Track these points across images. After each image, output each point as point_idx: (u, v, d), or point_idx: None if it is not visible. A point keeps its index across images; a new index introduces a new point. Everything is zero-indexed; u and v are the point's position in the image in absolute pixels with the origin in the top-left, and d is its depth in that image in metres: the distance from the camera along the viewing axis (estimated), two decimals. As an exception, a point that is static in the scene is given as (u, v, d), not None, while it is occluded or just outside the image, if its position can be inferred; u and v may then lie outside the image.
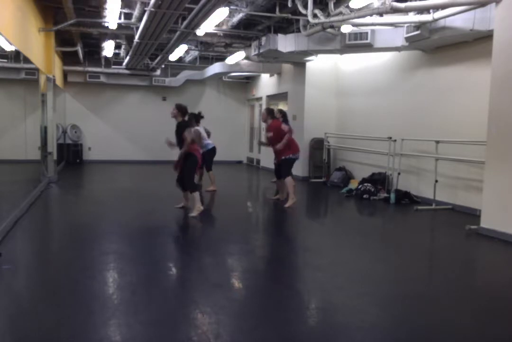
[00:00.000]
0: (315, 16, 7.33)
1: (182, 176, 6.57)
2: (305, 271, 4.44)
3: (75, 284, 3.71)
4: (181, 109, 6.51)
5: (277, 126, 7.56)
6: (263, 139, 8.89)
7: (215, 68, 13.17)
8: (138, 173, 12.76)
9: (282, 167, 7.62)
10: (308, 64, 10.98)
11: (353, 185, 9.08)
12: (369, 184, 8.49)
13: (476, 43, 6.98)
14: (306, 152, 10.74)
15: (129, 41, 10.63)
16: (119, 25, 8.92)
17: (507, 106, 5.41)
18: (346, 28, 7.92)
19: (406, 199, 7.98)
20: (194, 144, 6.51)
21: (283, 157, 7.56)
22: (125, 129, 14.89)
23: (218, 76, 14.36)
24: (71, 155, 14.19)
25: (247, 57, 11.15)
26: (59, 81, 11.74)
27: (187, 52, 12.42)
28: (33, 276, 4.04)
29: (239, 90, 15.82)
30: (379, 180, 8.64)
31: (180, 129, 6.45)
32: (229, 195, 8.84)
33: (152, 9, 6.74)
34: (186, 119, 6.64)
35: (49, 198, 8.20)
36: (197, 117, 8.29)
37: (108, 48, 11.41)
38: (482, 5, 5.85)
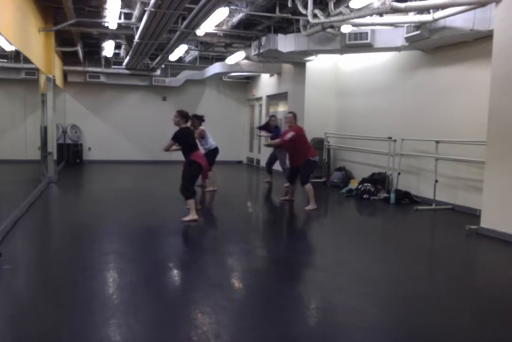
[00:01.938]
0: (315, 16, 7.33)
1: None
2: (305, 271, 4.44)
3: (75, 284, 3.71)
4: (183, 115, 6.26)
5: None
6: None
7: (215, 68, 13.17)
8: (138, 173, 12.76)
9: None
10: (308, 64, 10.97)
11: (353, 185, 9.08)
12: (369, 184, 8.49)
13: (476, 43, 6.98)
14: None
15: (129, 41, 10.63)
16: (119, 25, 8.92)
17: (507, 106, 5.41)
18: (346, 28, 7.92)
19: (406, 199, 7.98)
20: (197, 152, 6.29)
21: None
22: (125, 129, 14.89)
23: (218, 76, 14.36)
24: (71, 155, 14.19)
25: (247, 57, 11.15)
26: (59, 81, 11.74)
27: (187, 52, 12.41)
28: (33, 276, 4.04)
29: (239, 90, 15.82)
30: (379, 180, 8.64)
31: (185, 138, 6.20)
32: (229, 195, 8.84)
33: (152, 9, 6.73)
34: (189, 126, 6.45)
35: (49, 198, 8.20)
36: (200, 119, 8.49)
37: (108, 48, 11.41)
38: (482, 5, 5.85)
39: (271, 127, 10.10)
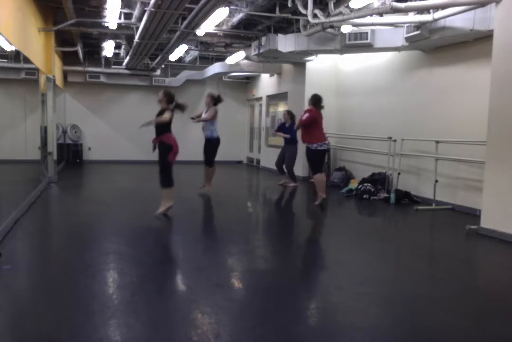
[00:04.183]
0: (315, 16, 7.33)
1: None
2: (305, 271, 4.44)
3: (75, 284, 3.71)
4: (168, 96, 6.20)
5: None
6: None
7: (215, 68, 13.17)
8: (138, 173, 12.75)
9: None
10: (308, 64, 10.97)
11: (353, 185, 9.08)
12: (369, 184, 8.49)
13: (476, 43, 6.98)
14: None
15: (129, 41, 10.63)
16: (119, 25, 8.93)
17: (507, 106, 5.41)
18: (346, 28, 7.92)
19: (406, 199, 7.97)
20: (168, 133, 6.17)
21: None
22: (125, 129, 14.88)
23: (218, 76, 14.36)
24: (71, 155, 14.19)
25: (247, 57, 11.15)
26: (59, 81, 11.74)
27: (187, 52, 12.42)
28: (33, 276, 4.04)
29: (239, 90, 15.82)
30: (379, 180, 8.64)
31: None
32: (229, 195, 8.84)
33: (152, 9, 6.74)
34: (171, 108, 6.23)
35: (49, 198, 8.20)
36: (216, 101, 8.44)
37: (108, 48, 11.42)
38: (482, 5, 5.85)
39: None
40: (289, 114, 10.00)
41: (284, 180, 9.88)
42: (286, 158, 9.80)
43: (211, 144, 8.52)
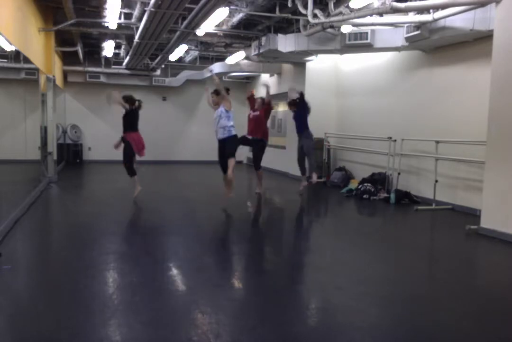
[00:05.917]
0: (315, 16, 7.33)
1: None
2: (305, 271, 4.44)
3: (75, 284, 3.71)
4: (128, 100, 7.61)
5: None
6: None
7: (215, 68, 13.17)
8: (138, 172, 12.72)
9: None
10: (308, 64, 10.97)
11: (353, 185, 9.08)
12: (369, 184, 8.49)
13: (476, 43, 6.98)
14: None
15: (129, 41, 10.63)
16: (119, 25, 8.92)
17: (507, 106, 5.41)
18: (346, 28, 7.92)
19: (406, 199, 7.97)
20: (128, 132, 7.65)
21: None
22: (125, 129, 14.87)
23: (218, 76, 14.34)
24: (71, 155, 14.19)
25: (247, 57, 11.15)
26: (59, 81, 11.74)
27: (187, 52, 12.42)
28: (33, 276, 4.04)
29: (239, 90, 15.79)
30: (379, 180, 8.64)
31: (133, 115, 7.66)
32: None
33: (152, 9, 6.74)
34: (135, 107, 7.70)
35: (49, 198, 8.20)
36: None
37: (108, 48, 11.41)
38: (482, 5, 5.86)
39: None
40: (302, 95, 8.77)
41: (305, 182, 8.86)
42: (305, 147, 8.77)
43: (233, 142, 7.37)
